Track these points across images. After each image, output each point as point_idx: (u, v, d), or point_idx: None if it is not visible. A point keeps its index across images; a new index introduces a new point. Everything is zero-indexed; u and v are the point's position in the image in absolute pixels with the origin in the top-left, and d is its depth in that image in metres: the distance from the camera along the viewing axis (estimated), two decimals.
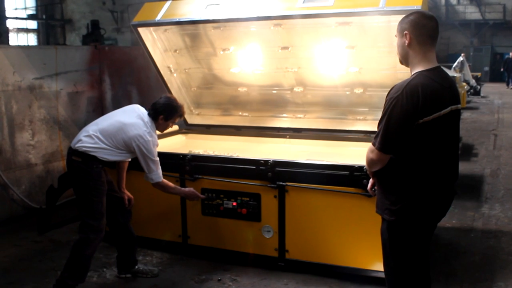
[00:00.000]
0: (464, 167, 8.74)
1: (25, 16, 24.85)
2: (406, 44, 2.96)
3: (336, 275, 4.60)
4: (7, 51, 6.44)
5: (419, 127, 2.83)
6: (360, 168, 4.31)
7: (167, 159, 4.88)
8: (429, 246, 3.17)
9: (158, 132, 4.54)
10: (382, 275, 3.30)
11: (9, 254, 5.36)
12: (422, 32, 2.92)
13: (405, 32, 2.95)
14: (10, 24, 22.75)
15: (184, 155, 5.05)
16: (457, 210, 6.51)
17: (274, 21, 5.27)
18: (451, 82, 3.01)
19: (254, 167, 4.74)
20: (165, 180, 4.50)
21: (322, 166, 4.59)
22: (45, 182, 6.64)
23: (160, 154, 4.50)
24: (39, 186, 6.70)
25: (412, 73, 2.96)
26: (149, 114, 4.45)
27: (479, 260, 5.13)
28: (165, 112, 4.46)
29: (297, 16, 4.99)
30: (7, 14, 20.83)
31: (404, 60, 3.04)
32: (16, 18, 23.95)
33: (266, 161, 4.70)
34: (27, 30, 25.62)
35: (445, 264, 5.00)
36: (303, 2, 4.92)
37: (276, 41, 5.59)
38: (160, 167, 4.42)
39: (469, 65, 23.11)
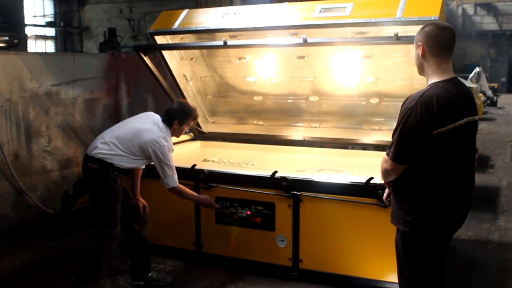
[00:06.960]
0: (480, 179, 8.65)
1: (43, 24, 25.09)
2: (420, 55, 2.99)
3: (350, 286, 4.57)
4: (26, 57, 6.51)
5: (433, 138, 2.82)
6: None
7: (181, 167, 4.89)
8: (445, 257, 3.14)
9: (174, 139, 4.56)
10: (397, 286, 3.27)
11: (23, 260, 5.40)
12: (434, 43, 2.93)
13: (419, 43, 2.99)
14: (28, 31, 22.98)
15: (199, 171, 5.05)
16: (473, 222, 6.44)
17: (290, 30, 5.26)
18: (467, 93, 3.00)
19: (269, 176, 4.74)
20: (181, 186, 4.52)
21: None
22: (60, 188, 6.68)
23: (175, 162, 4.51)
24: (55, 192, 6.74)
25: (428, 84, 2.96)
26: (163, 121, 4.48)
27: (495, 273, 5.07)
28: (179, 117, 4.49)
29: (313, 26, 4.98)
30: (26, 22, 21.04)
31: (420, 70, 3.08)
32: (35, 25, 24.15)
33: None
34: (45, 37, 25.82)
35: (461, 276, 4.94)
36: (320, 12, 4.93)
37: (292, 50, 5.59)
38: (175, 172, 4.44)
39: (485, 76, 22.94)
